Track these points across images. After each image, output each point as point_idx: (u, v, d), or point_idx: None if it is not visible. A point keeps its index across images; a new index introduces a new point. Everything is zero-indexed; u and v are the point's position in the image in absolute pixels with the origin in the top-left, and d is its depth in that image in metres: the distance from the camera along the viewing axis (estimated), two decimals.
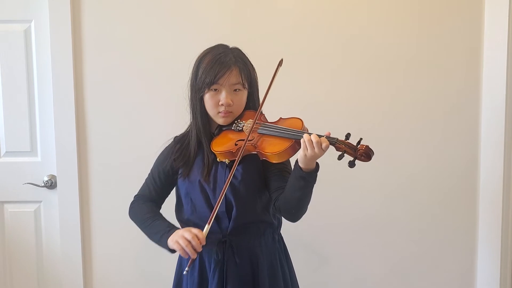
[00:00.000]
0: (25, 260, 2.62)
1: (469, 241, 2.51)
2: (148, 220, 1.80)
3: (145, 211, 1.84)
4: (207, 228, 1.64)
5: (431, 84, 2.44)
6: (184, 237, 1.62)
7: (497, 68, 2.38)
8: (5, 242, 2.62)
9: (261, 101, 1.74)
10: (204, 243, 1.62)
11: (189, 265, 1.63)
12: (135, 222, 1.87)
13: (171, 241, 1.66)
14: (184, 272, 1.66)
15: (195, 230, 1.63)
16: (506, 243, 2.47)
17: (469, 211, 2.49)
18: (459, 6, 2.41)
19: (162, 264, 2.51)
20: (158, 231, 1.74)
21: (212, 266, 1.75)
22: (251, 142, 1.69)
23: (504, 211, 2.43)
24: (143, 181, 1.93)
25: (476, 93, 2.43)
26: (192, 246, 1.60)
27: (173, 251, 1.68)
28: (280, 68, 1.74)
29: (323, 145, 1.54)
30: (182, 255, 1.64)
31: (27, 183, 2.54)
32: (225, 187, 1.65)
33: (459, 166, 2.48)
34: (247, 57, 1.78)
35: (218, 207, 1.65)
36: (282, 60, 1.74)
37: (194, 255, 1.61)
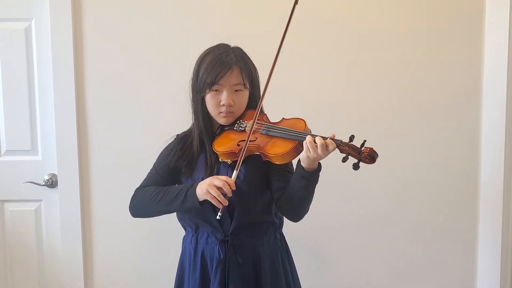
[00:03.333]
0: (26, 259, 2.62)
1: (470, 241, 2.51)
2: (161, 192, 1.76)
3: (152, 189, 1.80)
4: (235, 174, 1.64)
5: (433, 85, 2.43)
6: (214, 185, 1.61)
7: (498, 69, 2.38)
8: (5, 241, 2.62)
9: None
10: (234, 187, 1.62)
11: (222, 211, 1.62)
12: (141, 207, 1.83)
13: (201, 191, 1.65)
14: (218, 217, 1.63)
15: (223, 177, 1.64)
16: (507, 243, 2.47)
17: (469, 211, 2.49)
18: (460, 7, 2.41)
19: (163, 263, 2.51)
20: (179, 192, 1.72)
21: (214, 265, 1.75)
22: (254, 143, 1.69)
23: (504, 212, 2.43)
24: (145, 177, 1.92)
25: (477, 93, 2.43)
26: (224, 192, 1.61)
27: (201, 204, 1.67)
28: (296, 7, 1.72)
29: (330, 147, 1.54)
30: (214, 203, 1.62)
31: (28, 182, 2.54)
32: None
33: (460, 167, 2.48)
34: (248, 57, 1.78)
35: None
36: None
37: (226, 202, 1.61)
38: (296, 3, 1.72)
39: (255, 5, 2.42)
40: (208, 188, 1.62)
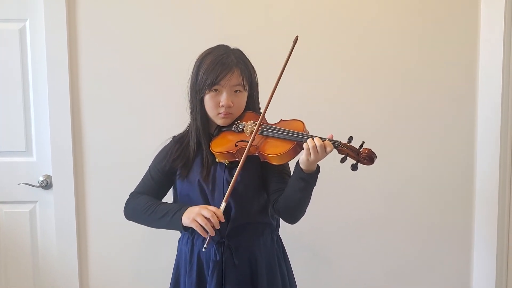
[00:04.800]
0: (20, 261, 2.60)
1: (465, 241, 2.52)
2: (151, 206, 1.77)
3: (145, 200, 1.81)
4: (223, 205, 1.64)
5: (428, 85, 2.44)
6: (201, 215, 1.62)
7: (493, 69, 2.39)
8: (0, 243, 2.60)
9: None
10: (223, 220, 1.62)
11: (207, 243, 1.62)
12: (133, 215, 1.85)
13: (187, 219, 1.65)
14: (203, 249, 1.63)
15: (212, 208, 1.64)
16: (502, 242, 2.48)
17: (465, 211, 2.50)
18: (455, 7, 2.41)
19: (159, 265, 2.51)
20: (167, 213, 1.72)
21: (211, 267, 1.74)
22: (252, 143, 1.69)
23: (500, 212, 2.44)
24: (140, 180, 1.92)
25: (472, 93, 2.44)
26: (211, 223, 1.60)
27: (186, 229, 1.68)
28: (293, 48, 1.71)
29: (328, 149, 1.55)
30: (200, 233, 1.62)
31: (22, 183, 2.52)
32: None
33: (456, 167, 2.49)
34: (248, 59, 1.78)
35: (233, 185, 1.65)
36: (297, 37, 1.72)
37: (213, 233, 1.61)
38: (295, 42, 1.72)
39: (253, 4, 2.42)
40: (196, 217, 1.62)
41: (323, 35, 2.42)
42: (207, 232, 1.62)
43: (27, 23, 2.48)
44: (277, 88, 1.69)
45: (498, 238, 2.45)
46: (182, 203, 1.80)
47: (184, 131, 1.88)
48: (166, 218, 1.72)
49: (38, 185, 2.53)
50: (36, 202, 2.58)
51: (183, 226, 1.68)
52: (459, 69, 2.44)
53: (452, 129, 2.47)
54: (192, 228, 1.76)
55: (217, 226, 1.62)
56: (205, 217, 1.61)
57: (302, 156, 1.60)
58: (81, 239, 2.54)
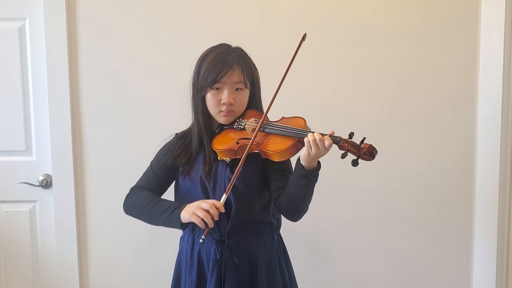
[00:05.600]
0: (20, 260, 2.60)
1: (465, 240, 2.52)
2: (151, 202, 1.77)
3: (145, 196, 1.81)
4: (224, 197, 1.64)
5: (429, 84, 2.44)
6: (201, 208, 1.62)
7: (493, 68, 2.39)
8: (0, 242, 2.59)
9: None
10: (223, 210, 1.63)
11: (205, 234, 1.62)
12: (133, 209, 1.84)
13: (187, 214, 1.65)
14: (201, 241, 1.64)
15: (210, 200, 1.65)
16: (502, 242, 2.48)
17: (465, 210, 2.51)
18: (455, 6, 2.42)
19: (160, 263, 2.50)
20: (167, 209, 1.72)
21: (210, 265, 1.74)
22: (253, 140, 1.69)
23: (500, 211, 2.44)
24: (141, 175, 1.92)
25: (472, 92, 2.45)
26: (211, 215, 1.60)
27: (184, 226, 1.68)
28: (303, 43, 1.71)
29: (326, 143, 1.54)
30: (200, 225, 1.62)
31: (22, 183, 2.52)
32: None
33: (456, 165, 2.49)
34: (249, 57, 1.78)
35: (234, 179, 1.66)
36: (305, 35, 1.72)
37: (211, 224, 1.61)
38: (303, 39, 1.72)
39: (257, 6, 2.42)
40: (195, 210, 1.62)
41: (325, 33, 2.42)
42: (206, 225, 1.61)
43: (27, 22, 2.48)
44: (279, 90, 1.69)
45: (498, 237, 2.45)
46: (182, 200, 1.80)
47: (187, 129, 1.88)
48: (165, 215, 1.72)
49: (38, 184, 2.53)
50: (36, 201, 2.57)
51: (181, 223, 1.68)
52: (459, 68, 2.44)
53: (452, 129, 2.47)
54: (191, 225, 1.76)
55: (216, 218, 1.61)
56: (204, 209, 1.61)
57: (303, 152, 1.59)
58: (81, 239, 2.54)
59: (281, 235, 1.92)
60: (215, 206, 1.61)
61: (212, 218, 1.61)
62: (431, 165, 2.49)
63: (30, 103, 2.52)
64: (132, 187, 1.90)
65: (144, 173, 1.91)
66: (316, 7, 2.42)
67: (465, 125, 2.46)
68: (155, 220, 1.77)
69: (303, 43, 1.72)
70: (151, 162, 1.90)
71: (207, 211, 1.61)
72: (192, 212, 1.63)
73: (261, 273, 1.77)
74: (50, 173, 2.52)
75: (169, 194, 1.90)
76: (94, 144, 2.49)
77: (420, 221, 2.52)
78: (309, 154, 1.57)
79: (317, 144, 1.55)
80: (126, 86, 2.46)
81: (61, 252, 2.53)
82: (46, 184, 2.53)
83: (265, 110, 1.74)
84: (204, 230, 1.64)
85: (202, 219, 1.61)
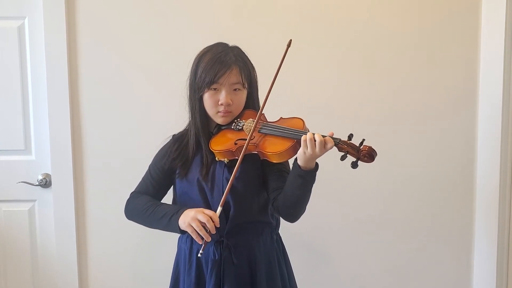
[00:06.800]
0: (19, 260, 2.60)
1: (465, 240, 2.52)
2: (150, 207, 1.77)
3: (145, 201, 1.81)
4: (219, 210, 1.63)
5: (429, 84, 2.44)
6: (197, 220, 1.60)
7: (494, 68, 2.39)
8: None
9: (265, 95, 1.70)
10: (218, 225, 1.61)
11: (203, 248, 1.61)
12: (133, 215, 1.85)
13: (183, 223, 1.64)
14: (199, 255, 1.63)
15: (208, 212, 1.62)
16: (502, 242, 2.47)
17: (465, 210, 2.50)
18: (455, 5, 2.41)
19: (158, 264, 2.50)
20: (165, 215, 1.72)
21: (209, 266, 1.74)
22: (252, 141, 1.68)
23: (500, 211, 2.44)
24: (139, 179, 1.92)
25: (473, 92, 2.44)
26: (207, 229, 1.59)
27: (184, 231, 1.67)
28: (289, 50, 1.69)
29: (328, 145, 1.53)
30: (195, 238, 1.62)
31: (21, 182, 2.52)
32: (231, 180, 1.64)
33: (456, 166, 2.48)
34: (247, 56, 1.77)
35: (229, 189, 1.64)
36: (291, 41, 1.70)
37: (208, 238, 1.60)
38: (288, 45, 1.70)
39: (255, 5, 2.41)
40: (191, 221, 1.61)
41: (325, 33, 2.42)
42: (202, 238, 1.61)
43: (26, 20, 2.47)
44: (272, 88, 1.67)
45: (498, 237, 2.45)
46: (180, 204, 1.80)
47: (184, 130, 1.87)
48: (164, 221, 1.72)
49: (37, 183, 2.52)
50: (35, 200, 2.57)
51: (180, 229, 1.68)
52: (459, 68, 2.43)
53: (452, 129, 2.46)
54: None
55: (213, 231, 1.61)
56: (201, 222, 1.60)
57: (299, 151, 1.58)
58: (80, 238, 2.54)
59: (280, 235, 1.91)
60: (212, 220, 1.60)
61: (209, 232, 1.60)
62: (431, 165, 2.48)
63: (29, 102, 2.51)
64: (132, 193, 1.90)
65: (142, 178, 1.91)
66: (316, 6, 2.40)
67: (465, 125, 2.46)
68: (155, 226, 1.78)
69: (289, 49, 1.70)
70: (149, 167, 1.90)
71: (204, 224, 1.60)
72: (188, 223, 1.63)
73: (260, 274, 1.77)
74: (49, 173, 2.51)
75: (169, 195, 1.91)
76: (93, 143, 2.48)
77: (420, 221, 2.51)
78: (304, 153, 1.56)
79: (313, 144, 1.53)
80: (125, 85, 2.45)
81: (61, 251, 2.53)
82: (45, 183, 2.52)
83: (260, 109, 1.74)
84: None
85: (197, 232, 1.61)
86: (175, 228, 1.69)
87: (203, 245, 1.62)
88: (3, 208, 2.57)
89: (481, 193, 2.46)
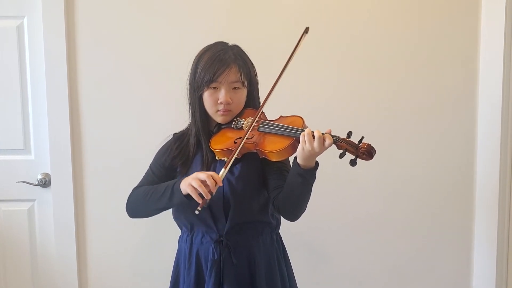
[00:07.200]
0: (19, 259, 2.60)
1: (465, 240, 2.52)
2: (151, 190, 1.75)
3: (144, 188, 1.79)
4: (223, 171, 1.59)
5: (429, 84, 2.44)
6: (197, 178, 1.56)
7: (494, 68, 2.38)
8: None
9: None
10: (220, 184, 1.57)
11: (201, 206, 1.55)
12: (136, 206, 1.82)
13: (184, 185, 1.60)
14: (196, 212, 1.56)
15: (209, 172, 1.58)
16: (502, 242, 2.47)
17: (465, 210, 2.50)
18: (455, 5, 2.41)
19: (159, 263, 2.50)
20: (167, 187, 1.68)
21: (209, 266, 1.74)
22: (251, 140, 1.67)
23: (500, 211, 2.43)
24: (139, 178, 1.91)
25: (472, 92, 2.44)
26: (206, 186, 1.55)
27: (188, 198, 1.60)
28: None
29: (326, 142, 1.52)
30: (194, 197, 1.56)
31: (21, 182, 2.51)
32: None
33: (456, 165, 2.48)
34: (246, 55, 1.77)
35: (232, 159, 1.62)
36: (308, 28, 1.69)
37: (208, 195, 1.54)
38: (306, 32, 1.70)
39: (255, 4, 2.41)
40: (191, 181, 1.56)
41: (325, 32, 2.41)
42: (202, 197, 1.55)
43: (25, 20, 2.47)
44: (277, 84, 1.68)
45: (498, 237, 2.45)
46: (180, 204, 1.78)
47: (185, 129, 1.87)
48: (167, 193, 1.68)
49: (36, 183, 2.52)
50: (34, 200, 2.57)
51: (186, 195, 1.61)
52: (459, 68, 2.43)
53: (452, 128, 2.46)
54: (190, 225, 1.75)
55: (213, 190, 1.55)
56: (201, 180, 1.56)
57: (298, 148, 1.56)
58: (79, 237, 2.53)
59: (281, 235, 1.91)
60: (213, 178, 1.55)
61: (210, 191, 1.55)
62: (431, 165, 2.48)
63: (28, 102, 2.51)
64: (134, 188, 1.88)
65: (144, 176, 1.90)
66: (316, 6, 2.41)
67: (465, 125, 2.45)
68: (160, 204, 1.72)
69: (305, 36, 1.69)
70: (150, 164, 1.90)
71: (204, 181, 1.55)
72: (189, 183, 1.57)
73: (260, 273, 1.76)
74: (49, 172, 2.51)
75: None
76: (92, 143, 2.48)
77: (420, 221, 2.51)
78: (303, 149, 1.54)
79: (312, 140, 1.52)
80: (125, 84, 2.45)
81: (60, 251, 2.53)
82: (45, 183, 2.52)
83: (260, 106, 1.74)
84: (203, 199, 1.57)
85: (197, 190, 1.55)
86: (180, 196, 1.63)
87: (201, 203, 1.55)
88: (2, 207, 2.57)
89: (481, 193, 2.46)
